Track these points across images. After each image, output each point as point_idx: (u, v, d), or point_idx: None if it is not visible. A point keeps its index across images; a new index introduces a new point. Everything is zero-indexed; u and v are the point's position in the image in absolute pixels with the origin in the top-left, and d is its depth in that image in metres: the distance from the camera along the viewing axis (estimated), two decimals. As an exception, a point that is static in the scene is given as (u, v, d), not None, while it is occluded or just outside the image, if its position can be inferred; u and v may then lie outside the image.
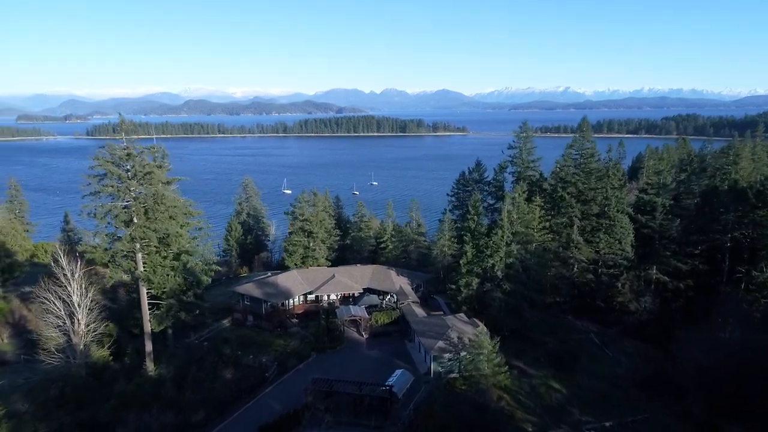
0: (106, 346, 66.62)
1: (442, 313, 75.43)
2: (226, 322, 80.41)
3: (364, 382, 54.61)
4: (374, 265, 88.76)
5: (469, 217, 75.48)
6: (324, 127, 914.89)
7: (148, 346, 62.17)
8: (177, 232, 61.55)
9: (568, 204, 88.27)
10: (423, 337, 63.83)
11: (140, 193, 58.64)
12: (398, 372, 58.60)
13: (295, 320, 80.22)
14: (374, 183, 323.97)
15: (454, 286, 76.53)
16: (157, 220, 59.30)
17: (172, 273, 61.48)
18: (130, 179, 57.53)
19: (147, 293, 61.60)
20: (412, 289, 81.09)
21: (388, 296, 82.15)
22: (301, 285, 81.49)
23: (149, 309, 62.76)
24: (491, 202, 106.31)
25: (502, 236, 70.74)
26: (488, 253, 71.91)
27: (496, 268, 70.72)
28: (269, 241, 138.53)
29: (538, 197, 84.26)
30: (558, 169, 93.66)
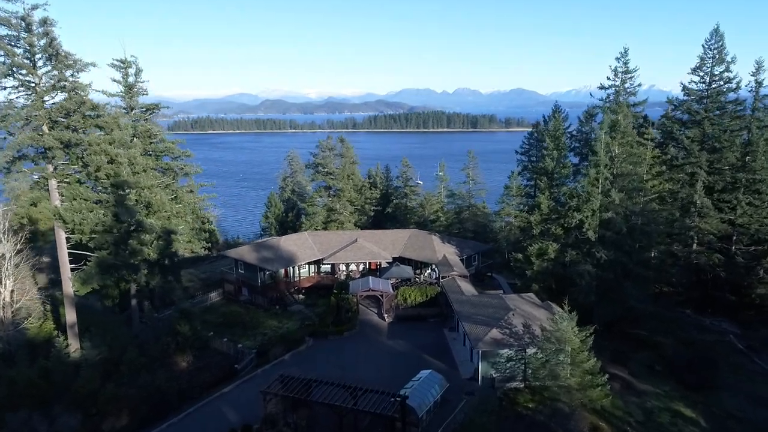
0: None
1: (501, 292, 52.21)
2: (215, 295, 61.42)
3: (361, 387, 32.97)
4: (411, 230, 66.65)
5: (546, 152, 51.85)
6: (393, 122, 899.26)
7: (70, 316, 43.71)
8: (121, 161, 42.64)
9: (689, 151, 61.85)
10: (468, 323, 41.19)
11: (47, 84, 39.96)
12: (423, 374, 36.45)
13: (300, 296, 59.79)
14: (440, 173, 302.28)
15: (521, 256, 53.13)
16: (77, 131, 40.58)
17: (102, 212, 42.62)
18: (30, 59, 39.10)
19: (67, 240, 43.18)
20: (462, 261, 58.29)
21: (429, 269, 59.93)
22: (311, 250, 60.90)
23: (73, 264, 44.43)
24: (574, 161, 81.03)
25: (597, 177, 46.57)
26: (573, 204, 47.98)
27: (586, 226, 46.61)
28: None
29: (647, 135, 58.68)
30: (672, 108, 67.14)
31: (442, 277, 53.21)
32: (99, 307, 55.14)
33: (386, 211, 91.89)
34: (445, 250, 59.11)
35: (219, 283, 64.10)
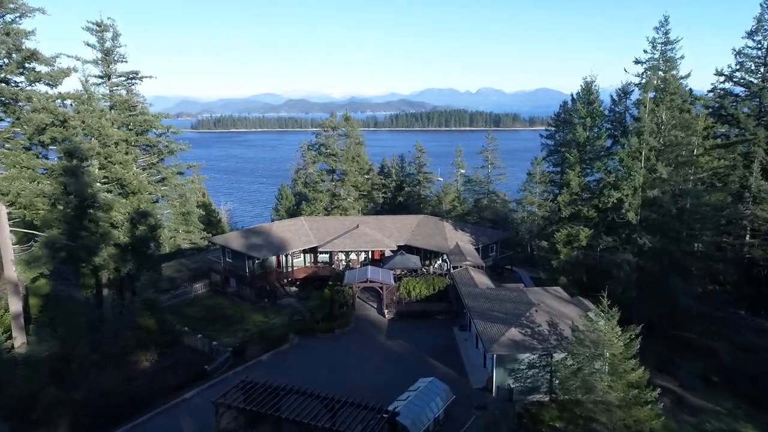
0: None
1: (522, 285, 44.54)
2: (200, 287, 55.01)
3: (341, 398, 25.83)
4: (421, 216, 59.20)
5: (577, 121, 44.15)
6: (415, 121, 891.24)
7: (13, 306, 37.49)
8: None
9: (744, 128, 53.19)
10: (482, 321, 33.75)
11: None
12: (423, 383, 29.13)
13: (293, 288, 53.01)
14: (462, 171, 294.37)
15: (545, 244, 45.47)
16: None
17: (47, 182, 36.33)
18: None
19: (9, 217, 36.97)
20: (477, 251, 50.78)
21: (439, 260, 52.56)
22: (306, 237, 54.00)
23: (18, 244, 38.31)
24: (606, 144, 72.64)
25: (639, 149, 38.62)
26: (610, 180, 40.14)
27: (626, 207, 38.70)
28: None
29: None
30: (722, 80, 58.42)
31: (453, 268, 45.78)
32: (77, 298, 49.16)
33: (398, 200, 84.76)
34: (458, 238, 51.63)
35: (207, 273, 57.71)
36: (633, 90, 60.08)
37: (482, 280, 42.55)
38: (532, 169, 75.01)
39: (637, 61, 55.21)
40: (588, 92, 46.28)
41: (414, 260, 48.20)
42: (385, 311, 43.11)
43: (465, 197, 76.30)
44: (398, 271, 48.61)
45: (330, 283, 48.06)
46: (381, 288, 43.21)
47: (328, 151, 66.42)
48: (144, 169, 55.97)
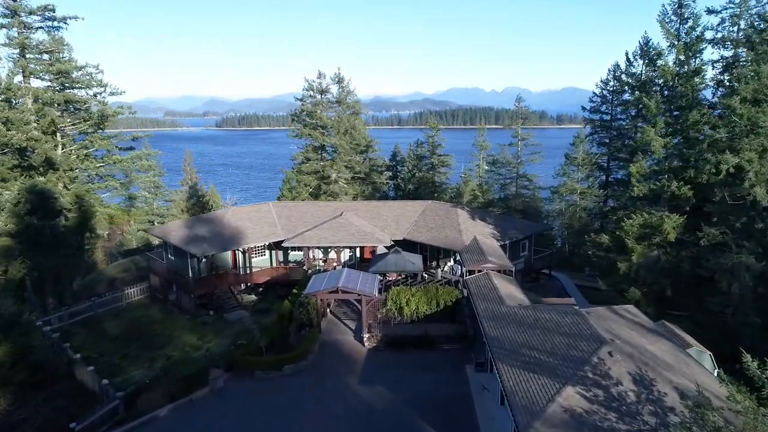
0: None
1: (571, 301, 29.71)
2: (137, 292, 41.74)
3: None
4: (427, 202, 44.53)
5: (666, 45, 29.26)
6: (439, 119, 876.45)
7: None
8: None
9: None
10: (512, 367, 19.32)
11: None
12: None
13: (251, 297, 39.24)
14: (471, 170, 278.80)
15: (605, 239, 30.67)
16: None
17: None
18: None
19: None
20: (504, 250, 36.13)
21: (450, 260, 38.16)
22: (270, 228, 40.08)
23: None
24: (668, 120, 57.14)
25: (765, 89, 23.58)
26: (721, 137, 25.16)
27: (750, 181, 23.72)
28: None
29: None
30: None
31: (469, 273, 31.26)
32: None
33: (407, 187, 70.46)
34: (477, 232, 37.07)
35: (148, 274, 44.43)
36: (705, 46, 44.00)
37: (511, 291, 27.99)
38: (573, 150, 60.11)
39: (709, 11, 39.06)
40: (680, 5, 31.09)
41: (413, 261, 33.76)
42: (365, 336, 28.82)
43: (488, 183, 61.64)
44: (392, 277, 34.36)
45: (295, 290, 34.12)
46: (359, 301, 28.94)
47: (314, 121, 52.46)
48: (65, 138, 43.02)
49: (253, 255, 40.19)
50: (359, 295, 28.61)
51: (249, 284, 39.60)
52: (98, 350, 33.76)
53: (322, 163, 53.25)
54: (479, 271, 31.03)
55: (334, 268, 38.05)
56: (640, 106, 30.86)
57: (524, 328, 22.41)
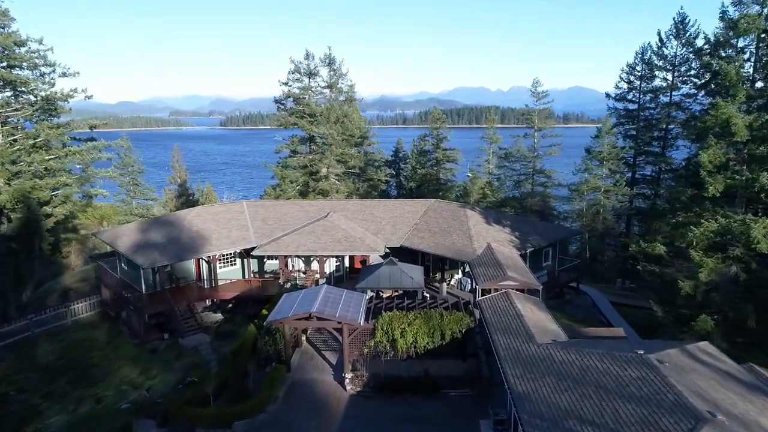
0: None
1: (619, 332, 22.69)
2: (86, 307, 35.06)
3: None
4: (430, 201, 37.47)
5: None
6: (445, 118, 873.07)
7: None
8: None
9: None
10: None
11: None
12: None
13: (217, 314, 32.44)
14: (479, 166, 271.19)
15: (661, 249, 23.63)
16: None
17: None
18: None
19: None
20: (524, 259, 29.17)
21: (458, 273, 31.29)
22: (240, 232, 33.26)
23: None
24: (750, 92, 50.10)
25: None
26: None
27: None
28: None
29: None
30: None
31: (483, 292, 24.37)
32: None
33: (409, 185, 63.73)
34: (491, 238, 30.18)
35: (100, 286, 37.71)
36: None
37: (541, 320, 21.07)
38: (597, 143, 53.11)
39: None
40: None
41: (412, 275, 26.91)
42: (346, 377, 21.93)
43: (499, 180, 54.69)
44: (386, 294, 27.52)
45: (265, 311, 27.35)
46: (340, 330, 22.08)
47: (301, 108, 45.65)
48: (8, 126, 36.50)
49: (221, 264, 33.44)
50: (340, 323, 21.75)
51: (214, 301, 32.83)
52: (21, 384, 27.22)
53: (310, 157, 46.44)
54: (496, 290, 24.12)
55: (316, 282, 31.23)
56: (707, 76, 23.85)
57: (568, 383, 15.48)
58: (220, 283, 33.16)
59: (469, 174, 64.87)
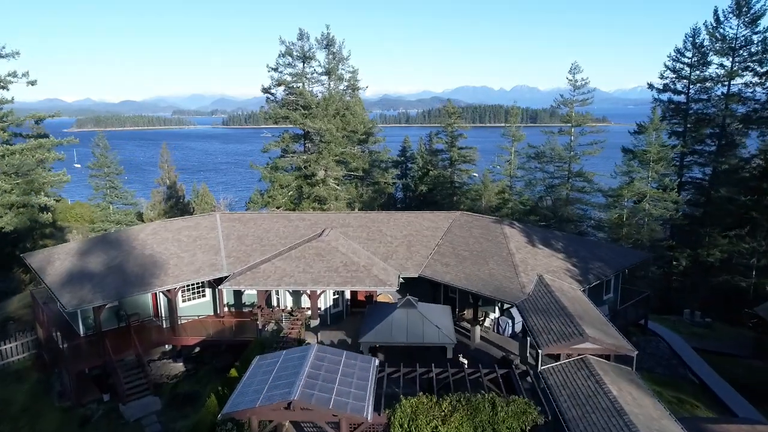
0: None
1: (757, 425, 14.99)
2: (14, 349, 27.34)
3: None
4: (455, 213, 29.54)
5: None
6: (448, 117, 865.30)
7: None
8: None
9: None
10: None
11: None
12: None
13: (178, 364, 24.66)
14: (498, 167, 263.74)
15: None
16: None
17: None
18: None
19: None
20: (585, 294, 21.36)
21: (494, 311, 23.48)
22: (208, 255, 25.43)
23: None
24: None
25: None
26: None
27: None
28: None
29: None
30: None
31: (547, 360, 16.61)
32: None
33: (418, 189, 56.14)
34: (542, 266, 22.42)
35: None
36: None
37: (648, 415, 13.34)
38: (643, 140, 45.30)
39: None
40: None
41: (438, 321, 19.22)
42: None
43: (528, 183, 46.82)
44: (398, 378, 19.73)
45: (233, 371, 19.63)
46: (336, 425, 14.38)
47: (294, 98, 37.88)
48: None
49: (186, 297, 25.77)
50: (335, 415, 14.04)
51: (175, 348, 25.13)
52: None
53: (304, 157, 38.66)
54: (568, 355, 16.37)
55: (307, 325, 23.56)
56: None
57: None
58: (184, 320, 25.49)
59: (475, 174, 57.07)
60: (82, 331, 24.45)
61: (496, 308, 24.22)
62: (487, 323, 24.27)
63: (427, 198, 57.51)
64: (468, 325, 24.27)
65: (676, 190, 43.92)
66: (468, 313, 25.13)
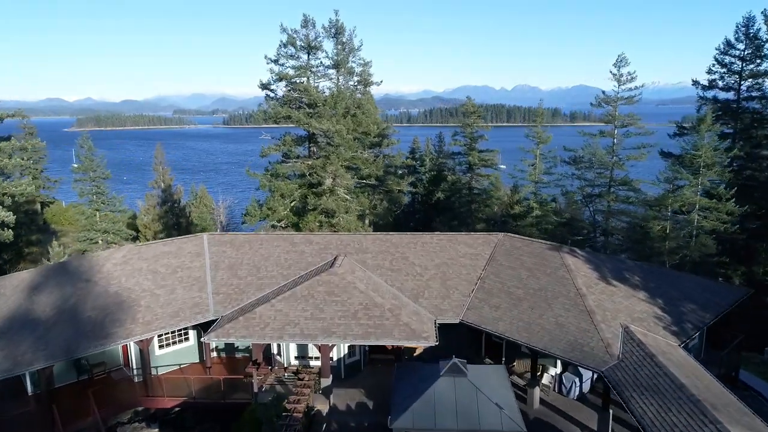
0: None
1: None
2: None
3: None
4: (499, 235, 24.27)
5: None
6: (450, 116, 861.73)
7: None
8: None
9: None
10: None
11: None
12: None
13: (152, 429, 19.38)
14: (503, 166, 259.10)
15: None
16: None
17: None
18: None
19: None
20: (679, 342, 16.10)
21: (555, 365, 18.16)
22: (190, 292, 20.17)
23: None
24: None
25: None
26: None
27: None
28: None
29: None
30: None
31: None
32: None
33: (435, 197, 50.83)
34: (623, 311, 17.18)
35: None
36: None
37: None
38: (690, 142, 39.87)
39: None
40: None
41: (494, 394, 14.12)
42: None
43: (565, 194, 41.49)
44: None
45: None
46: None
47: (297, 95, 32.64)
48: None
49: (164, 342, 20.55)
50: None
51: (149, 410, 19.87)
52: None
53: (309, 163, 33.41)
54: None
55: (317, 385, 18.34)
56: None
57: None
58: (162, 371, 20.29)
59: (510, 177, 51.78)
60: (29, 389, 19.27)
61: (558, 361, 19.01)
62: (545, 380, 19.05)
63: (440, 205, 52.28)
64: (519, 380, 19.08)
65: (733, 199, 38.62)
66: (519, 365, 19.94)
